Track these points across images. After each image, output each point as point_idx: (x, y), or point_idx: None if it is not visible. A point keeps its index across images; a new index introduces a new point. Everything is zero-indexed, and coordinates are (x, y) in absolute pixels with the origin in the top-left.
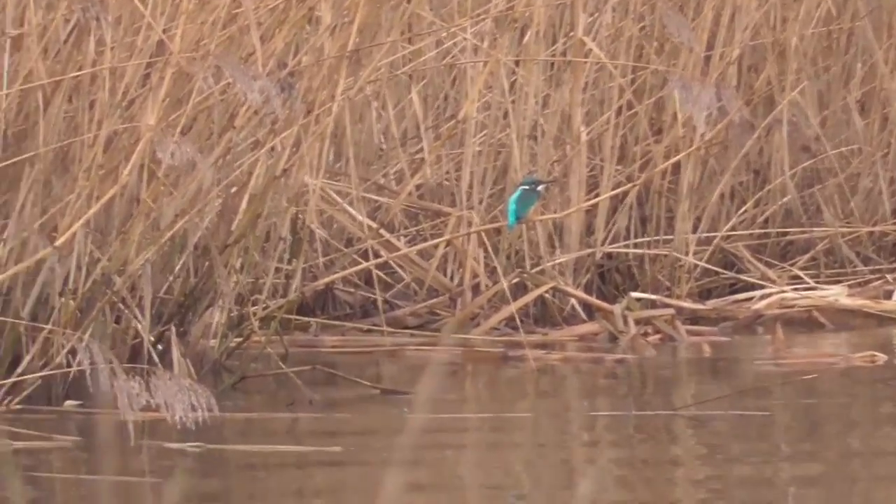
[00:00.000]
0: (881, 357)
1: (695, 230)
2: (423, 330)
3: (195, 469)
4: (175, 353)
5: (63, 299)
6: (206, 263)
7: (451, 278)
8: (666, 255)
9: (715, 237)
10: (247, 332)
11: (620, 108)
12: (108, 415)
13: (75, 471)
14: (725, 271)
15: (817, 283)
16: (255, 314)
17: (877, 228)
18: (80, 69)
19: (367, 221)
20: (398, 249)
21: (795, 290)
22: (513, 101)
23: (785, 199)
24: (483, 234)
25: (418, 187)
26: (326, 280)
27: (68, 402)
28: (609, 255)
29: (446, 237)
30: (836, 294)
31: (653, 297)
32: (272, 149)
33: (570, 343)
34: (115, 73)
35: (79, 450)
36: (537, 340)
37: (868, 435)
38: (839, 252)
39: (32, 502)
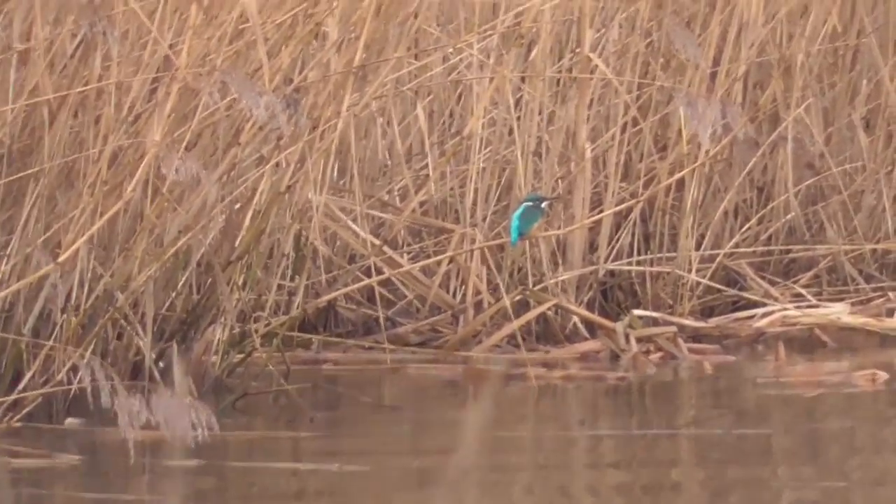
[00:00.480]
0: (882, 375)
1: (698, 247)
2: (425, 347)
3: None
4: (176, 370)
5: (65, 316)
6: (209, 280)
7: (454, 295)
8: (668, 273)
9: (718, 254)
10: (248, 349)
11: (625, 124)
12: (109, 433)
13: (75, 489)
14: (728, 289)
15: (820, 300)
16: (256, 331)
17: (880, 246)
18: (86, 84)
19: (371, 238)
20: (401, 266)
21: (798, 307)
22: (518, 118)
23: (788, 217)
24: (486, 250)
25: (422, 204)
26: (329, 297)
27: (69, 420)
28: (612, 273)
29: (449, 254)
30: (839, 312)
31: (655, 314)
32: (277, 165)
33: (571, 361)
34: (120, 88)
35: (79, 468)
36: (539, 358)
37: (868, 462)
38: (842, 270)
39: None
